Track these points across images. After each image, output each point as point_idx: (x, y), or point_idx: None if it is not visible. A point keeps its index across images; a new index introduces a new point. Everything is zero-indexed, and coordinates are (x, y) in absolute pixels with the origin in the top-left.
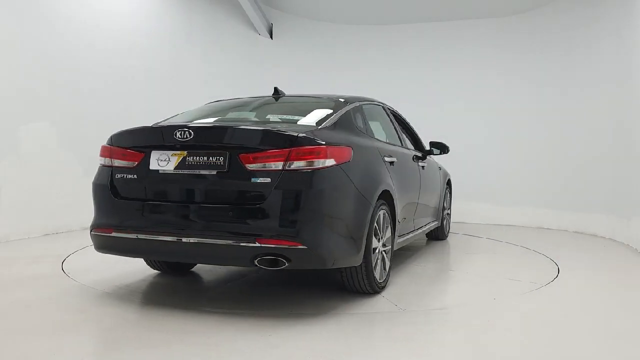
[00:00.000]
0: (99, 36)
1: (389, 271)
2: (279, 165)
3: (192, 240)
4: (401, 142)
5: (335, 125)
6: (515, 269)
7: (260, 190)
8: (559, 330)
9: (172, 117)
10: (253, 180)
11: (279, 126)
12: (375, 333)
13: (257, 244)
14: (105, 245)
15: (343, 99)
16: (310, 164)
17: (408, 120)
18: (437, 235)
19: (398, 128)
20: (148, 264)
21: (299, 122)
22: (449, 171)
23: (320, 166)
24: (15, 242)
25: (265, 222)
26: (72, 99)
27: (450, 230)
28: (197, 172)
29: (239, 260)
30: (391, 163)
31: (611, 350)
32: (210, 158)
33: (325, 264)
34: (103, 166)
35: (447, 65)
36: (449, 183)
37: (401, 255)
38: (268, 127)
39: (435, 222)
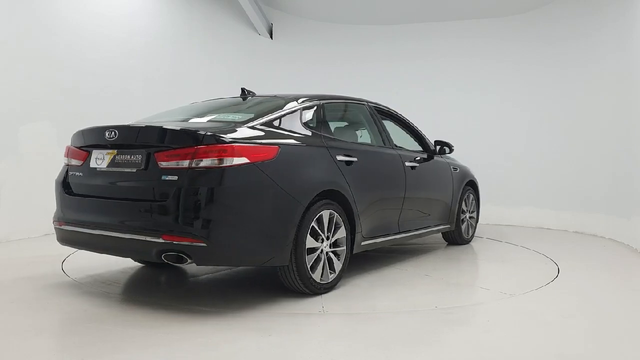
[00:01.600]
0: (99, 36)
1: (340, 273)
2: (185, 164)
3: (112, 234)
4: (384, 141)
5: (269, 124)
6: (515, 269)
7: (167, 188)
8: (558, 331)
9: (150, 117)
10: (163, 177)
11: (202, 125)
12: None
13: (162, 240)
14: (60, 237)
15: (304, 98)
16: (216, 162)
17: (411, 120)
18: (455, 239)
19: (382, 127)
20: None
21: (232, 121)
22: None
23: (228, 164)
24: (15, 242)
25: (169, 219)
26: (72, 99)
27: (475, 234)
28: (122, 170)
29: (148, 255)
30: (348, 163)
31: (611, 350)
32: (132, 156)
33: (229, 262)
34: (65, 164)
35: (446, 65)
36: (471, 185)
37: (394, 258)
38: (180, 126)
39: (447, 226)
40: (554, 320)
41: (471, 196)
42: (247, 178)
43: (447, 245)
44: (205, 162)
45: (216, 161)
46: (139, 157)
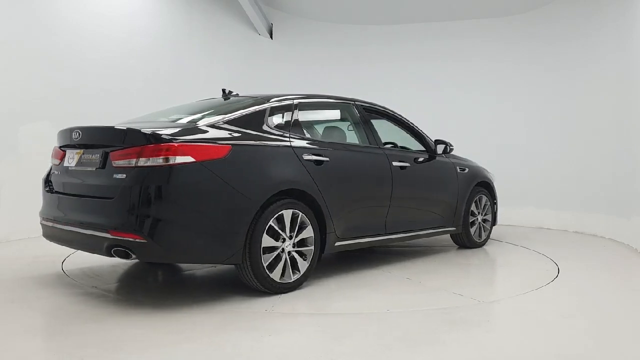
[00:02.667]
0: (99, 36)
1: (306, 273)
2: (132, 162)
3: (77, 230)
4: (370, 141)
5: (229, 123)
6: (515, 269)
7: (116, 185)
8: (558, 331)
9: (137, 118)
10: (114, 176)
11: (159, 125)
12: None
13: (110, 236)
14: (43, 232)
15: (277, 97)
16: (161, 161)
17: (411, 120)
18: (463, 242)
19: (369, 127)
20: None
21: (193, 120)
22: (490, 172)
23: (172, 163)
24: (15, 242)
25: (115, 215)
26: (72, 99)
27: (489, 238)
28: (85, 168)
29: (100, 250)
30: (317, 162)
31: (611, 350)
32: (92, 156)
33: (174, 259)
34: (51, 164)
35: (446, 65)
36: (483, 185)
37: (385, 259)
38: (132, 126)
39: (451, 228)
40: (554, 320)
41: (484, 198)
42: (192, 177)
43: (458, 248)
44: (151, 161)
45: (160, 160)
46: (97, 156)
